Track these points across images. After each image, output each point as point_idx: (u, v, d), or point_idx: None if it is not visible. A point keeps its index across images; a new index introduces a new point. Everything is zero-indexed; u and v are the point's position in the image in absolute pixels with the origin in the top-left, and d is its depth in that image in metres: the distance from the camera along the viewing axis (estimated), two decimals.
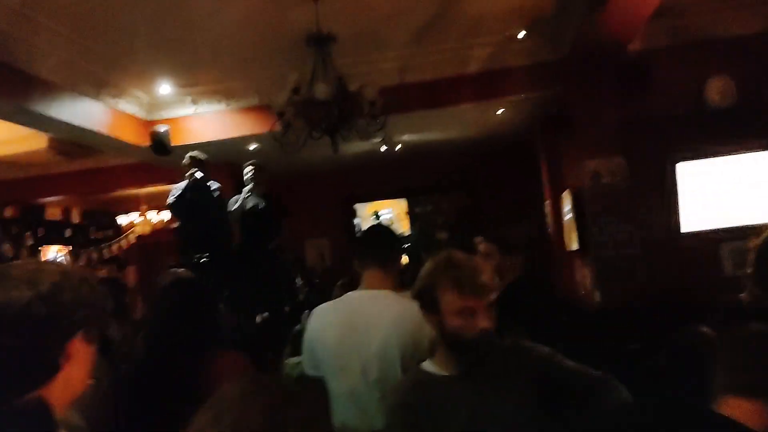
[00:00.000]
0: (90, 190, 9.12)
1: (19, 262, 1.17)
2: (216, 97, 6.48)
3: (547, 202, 7.71)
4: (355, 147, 6.33)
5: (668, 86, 5.47)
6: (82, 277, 1.19)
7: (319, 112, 4.52)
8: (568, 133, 6.35)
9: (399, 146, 8.01)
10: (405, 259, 5.22)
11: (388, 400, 1.86)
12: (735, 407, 1.16)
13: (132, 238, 10.40)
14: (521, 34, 5.60)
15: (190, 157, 5.52)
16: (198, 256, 5.24)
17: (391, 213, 11.01)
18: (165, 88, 6.19)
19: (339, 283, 3.91)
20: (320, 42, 4.70)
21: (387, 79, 5.71)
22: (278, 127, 4.65)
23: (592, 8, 4.56)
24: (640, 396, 1.72)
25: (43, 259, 8.73)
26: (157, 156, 6.30)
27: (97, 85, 5.62)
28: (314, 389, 2.17)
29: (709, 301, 4.80)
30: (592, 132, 5.66)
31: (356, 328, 2.20)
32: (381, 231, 2.62)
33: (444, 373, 1.75)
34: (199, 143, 6.39)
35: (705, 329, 2.80)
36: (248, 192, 5.60)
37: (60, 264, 1.24)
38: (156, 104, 6.54)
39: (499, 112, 6.79)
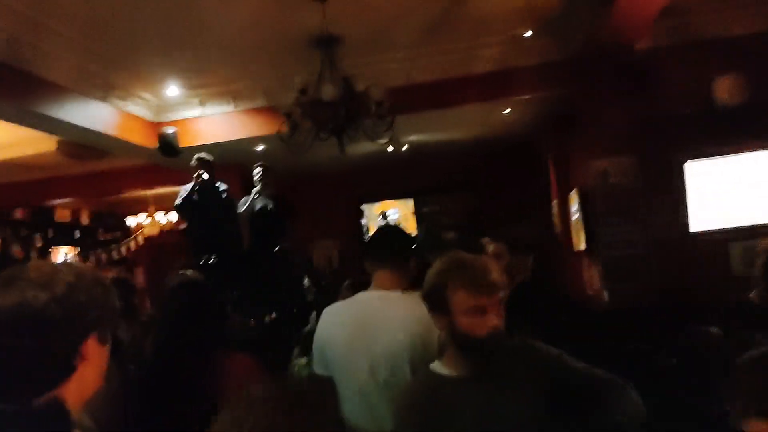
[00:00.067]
0: (99, 192, 9.17)
1: (34, 263, 1.18)
2: (223, 99, 6.50)
3: (555, 202, 7.69)
4: (362, 148, 6.33)
5: (676, 85, 5.45)
6: (96, 279, 1.20)
7: (326, 113, 4.53)
8: (576, 132, 6.34)
9: (406, 147, 8.01)
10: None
11: (397, 401, 1.86)
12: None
13: (140, 239, 10.45)
14: (528, 34, 5.59)
15: (198, 158, 5.53)
16: (206, 257, 5.25)
17: (397, 213, 11.01)
18: (172, 89, 6.21)
19: (345, 283, 3.91)
20: (327, 43, 4.71)
21: (394, 79, 5.72)
22: (285, 128, 4.66)
23: (599, 8, 4.54)
24: (650, 396, 1.72)
25: (52, 260, 8.79)
26: (165, 157, 6.33)
27: (105, 87, 5.65)
28: (325, 389, 2.18)
29: (717, 301, 4.78)
30: (599, 131, 5.64)
31: (366, 328, 2.20)
32: (392, 231, 2.61)
33: (453, 374, 1.75)
34: (206, 144, 6.41)
35: (713, 330, 2.80)
36: (257, 193, 5.61)
37: (74, 265, 1.24)
38: (164, 106, 6.57)
39: (506, 112, 6.78)
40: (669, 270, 5.37)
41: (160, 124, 6.47)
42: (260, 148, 6.98)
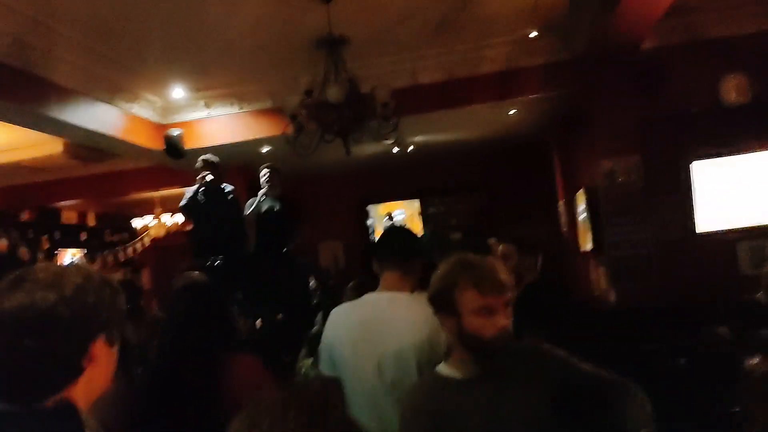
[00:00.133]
0: (105, 193, 9.21)
1: (42, 264, 1.19)
2: (229, 101, 6.51)
3: (561, 203, 7.67)
4: (368, 149, 6.34)
5: (683, 84, 5.43)
6: (104, 280, 1.20)
7: (331, 115, 4.53)
8: (582, 132, 6.33)
9: (411, 147, 8.01)
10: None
11: (403, 402, 1.86)
12: None
13: (147, 241, 10.47)
14: (533, 34, 5.58)
15: (203, 160, 5.54)
16: (212, 258, 5.26)
17: (403, 214, 11.01)
18: (178, 92, 6.23)
19: (349, 285, 3.91)
20: (332, 44, 4.71)
21: (399, 80, 5.72)
22: (291, 130, 4.66)
23: (605, 7, 4.53)
24: (658, 397, 1.71)
25: (59, 262, 8.82)
26: (171, 159, 6.35)
27: (111, 90, 5.67)
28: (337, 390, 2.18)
29: (725, 301, 4.76)
30: (606, 131, 5.63)
31: (373, 329, 2.20)
32: (400, 232, 2.60)
33: (459, 375, 1.74)
34: (212, 146, 6.42)
35: (722, 330, 2.78)
36: (263, 195, 5.61)
37: (82, 267, 1.24)
38: (169, 108, 6.59)
39: (512, 112, 6.77)
40: (676, 270, 5.34)
41: (165, 126, 6.49)
42: (266, 149, 6.99)
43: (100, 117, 5.59)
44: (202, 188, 5.50)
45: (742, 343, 2.75)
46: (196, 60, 5.55)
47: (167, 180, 8.12)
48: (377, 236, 10.01)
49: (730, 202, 5.46)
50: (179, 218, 9.85)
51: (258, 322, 4.96)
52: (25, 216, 9.26)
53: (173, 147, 6.17)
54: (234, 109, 6.56)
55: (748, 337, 3.39)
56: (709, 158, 5.48)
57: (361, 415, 2.14)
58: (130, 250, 10.20)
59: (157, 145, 6.37)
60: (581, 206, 6.45)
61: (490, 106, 6.37)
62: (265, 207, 5.59)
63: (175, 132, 6.24)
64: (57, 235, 9.70)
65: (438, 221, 10.44)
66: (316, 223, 8.86)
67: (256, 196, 5.68)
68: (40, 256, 8.80)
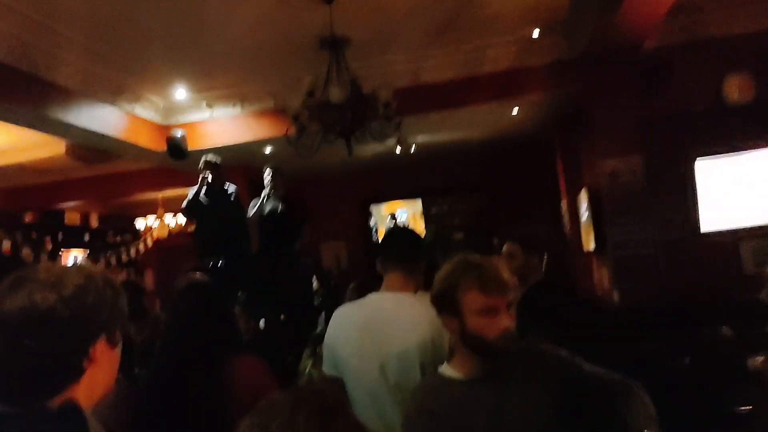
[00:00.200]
0: (108, 194, 9.22)
1: (44, 264, 1.19)
2: (231, 101, 6.51)
3: (563, 202, 7.66)
4: (370, 149, 6.34)
5: (686, 83, 5.42)
6: (106, 281, 1.20)
7: (333, 115, 4.53)
8: (585, 132, 6.32)
9: (413, 147, 8.01)
10: None
11: (406, 403, 1.86)
12: None
13: (149, 241, 10.48)
14: (535, 34, 5.57)
15: (205, 160, 5.56)
16: (214, 259, 5.26)
17: (405, 214, 11.01)
18: (180, 93, 6.24)
19: (351, 286, 3.91)
20: (334, 45, 4.71)
21: (401, 80, 5.72)
22: (293, 131, 4.67)
23: (606, 7, 4.53)
24: (662, 397, 1.71)
25: (62, 263, 8.83)
26: (174, 160, 6.35)
27: (113, 91, 5.68)
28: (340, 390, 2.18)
29: (728, 301, 4.75)
30: (609, 130, 5.61)
31: (377, 329, 2.20)
32: (404, 233, 2.60)
33: (462, 376, 1.74)
34: (214, 147, 6.43)
35: (725, 329, 2.78)
36: (266, 196, 5.61)
37: (85, 267, 1.24)
38: (172, 109, 6.60)
39: (514, 112, 6.77)
40: (679, 270, 5.34)
41: (168, 127, 6.50)
42: (268, 150, 6.99)
43: (102, 118, 5.60)
44: (204, 189, 5.51)
45: (745, 343, 2.75)
46: (198, 61, 5.56)
47: (170, 181, 8.14)
48: (380, 237, 10.03)
49: (733, 201, 5.45)
50: (182, 219, 9.86)
51: (261, 323, 4.96)
52: (28, 217, 9.27)
53: (176, 148, 6.18)
54: (236, 110, 6.57)
55: (751, 336, 3.39)
56: (711, 157, 5.47)
57: (363, 415, 2.14)
58: (133, 251, 10.21)
59: (160, 146, 6.38)
60: (583, 206, 6.44)
61: (492, 106, 6.37)
62: (268, 208, 5.59)
63: (177, 133, 6.25)
64: (60, 236, 9.71)
65: (440, 221, 10.45)
66: (319, 224, 8.85)
67: (259, 196, 5.69)
68: (44, 257, 8.81)
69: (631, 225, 5.47)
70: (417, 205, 10.81)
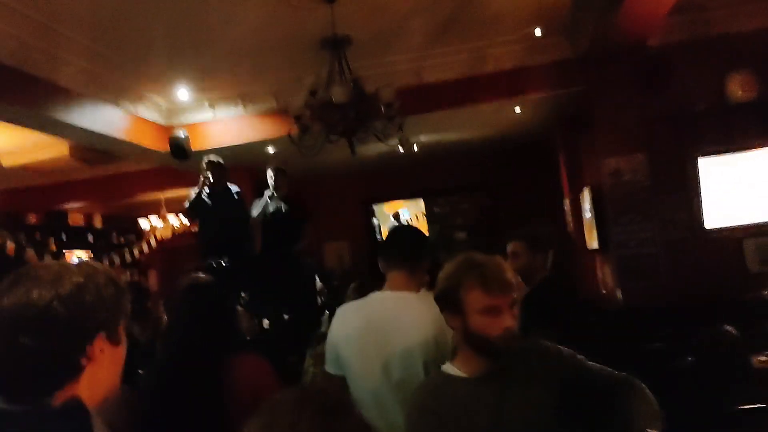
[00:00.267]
0: (111, 195, 9.23)
1: (46, 263, 1.19)
2: (233, 102, 6.52)
3: (566, 201, 7.66)
4: (373, 148, 6.33)
5: (689, 81, 5.42)
6: (109, 278, 1.19)
7: (336, 115, 4.53)
8: (587, 130, 6.31)
9: (416, 147, 8.00)
10: None
11: (409, 402, 1.86)
12: None
13: (153, 242, 10.49)
14: (538, 33, 5.57)
15: (208, 161, 5.56)
16: (218, 259, 5.27)
17: (408, 214, 11.01)
18: (183, 93, 6.24)
19: (352, 286, 3.91)
20: (336, 44, 4.71)
21: (403, 80, 5.73)
22: (296, 131, 4.67)
23: (609, 5, 4.52)
24: (666, 396, 1.70)
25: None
26: (177, 161, 6.36)
27: (116, 92, 5.69)
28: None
29: (732, 298, 4.75)
30: (611, 129, 5.61)
31: (379, 328, 2.19)
32: (406, 232, 2.59)
33: (465, 374, 1.74)
34: (217, 147, 6.44)
35: (729, 328, 2.77)
36: (269, 196, 5.62)
37: (86, 265, 1.23)
38: (174, 110, 6.61)
39: (517, 111, 6.76)
40: (683, 268, 5.33)
41: (171, 128, 6.50)
42: (271, 150, 7.00)
43: (105, 119, 5.61)
44: (206, 189, 5.52)
45: (749, 341, 2.74)
46: (200, 61, 5.56)
47: (173, 181, 8.14)
48: (383, 236, 10.03)
49: (736, 199, 5.44)
50: (185, 220, 9.86)
51: (265, 323, 4.97)
52: (32, 218, 9.29)
53: (179, 148, 6.18)
54: (239, 110, 6.58)
55: (755, 334, 3.38)
56: (714, 156, 5.46)
57: (366, 414, 2.14)
58: (136, 251, 10.22)
59: (163, 146, 6.38)
60: (587, 205, 6.44)
61: (495, 106, 6.37)
62: (271, 208, 5.59)
63: (180, 133, 6.25)
64: (64, 237, 9.73)
65: (443, 221, 10.44)
66: (322, 224, 8.86)
67: (262, 196, 5.69)
68: (48, 258, 8.83)
69: (634, 224, 5.47)
70: (419, 204, 10.80)
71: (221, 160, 5.61)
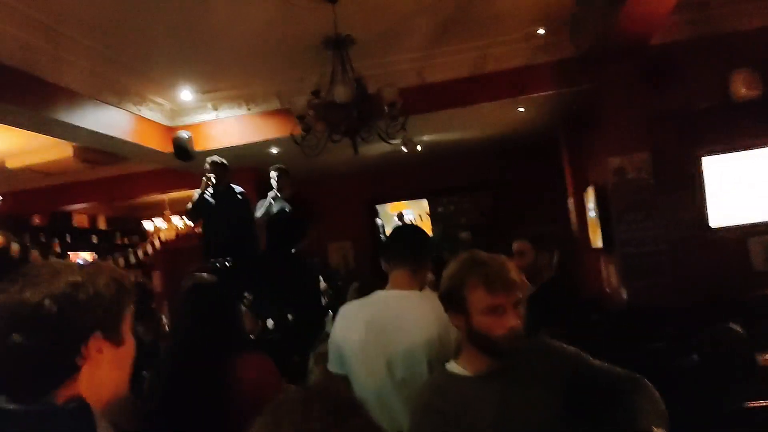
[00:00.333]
0: (115, 196, 9.26)
1: (51, 261, 1.18)
2: (236, 102, 6.53)
3: (570, 200, 7.65)
4: (376, 148, 6.33)
5: (692, 80, 5.40)
6: (113, 278, 1.18)
7: (338, 115, 4.53)
8: (591, 129, 6.30)
9: (419, 147, 8.00)
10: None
11: (413, 401, 1.85)
12: None
13: (157, 243, 10.51)
14: (541, 32, 5.56)
15: (211, 162, 5.57)
16: (222, 260, 5.27)
17: (412, 214, 11.01)
18: (186, 94, 6.25)
19: (353, 286, 3.90)
20: (339, 44, 4.71)
21: (406, 79, 5.72)
22: (299, 131, 4.67)
23: (612, 4, 4.51)
24: (671, 395, 1.70)
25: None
26: (180, 161, 6.37)
27: (119, 93, 5.70)
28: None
29: (738, 297, 4.73)
30: (615, 128, 5.59)
31: (383, 327, 2.19)
32: (410, 231, 2.60)
33: (469, 373, 1.74)
34: (220, 148, 6.45)
35: (735, 326, 2.76)
36: (273, 196, 5.62)
37: (95, 264, 1.23)
38: (178, 110, 6.61)
39: (520, 110, 6.75)
40: (688, 267, 5.31)
41: (174, 129, 6.51)
42: (274, 150, 7.00)
43: (108, 120, 5.61)
44: (209, 190, 5.53)
45: (754, 339, 2.73)
46: (203, 62, 5.57)
47: (176, 182, 8.16)
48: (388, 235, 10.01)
49: (741, 197, 5.43)
50: (187, 221, 9.88)
51: (269, 323, 4.97)
52: (36, 220, 9.32)
53: (182, 149, 6.19)
54: (242, 111, 6.58)
55: (760, 332, 3.36)
56: (719, 154, 5.45)
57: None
58: (140, 252, 10.24)
59: (166, 147, 6.39)
60: (590, 204, 6.42)
61: (498, 105, 6.36)
62: (275, 209, 5.60)
63: (183, 134, 6.26)
64: (68, 238, 9.76)
65: (447, 221, 10.43)
66: (326, 224, 8.86)
67: (266, 197, 5.69)
68: (52, 259, 8.84)
69: (639, 222, 5.45)
70: (423, 204, 10.79)
71: (224, 161, 5.62)
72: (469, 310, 1.70)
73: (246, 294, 4.87)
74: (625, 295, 5.50)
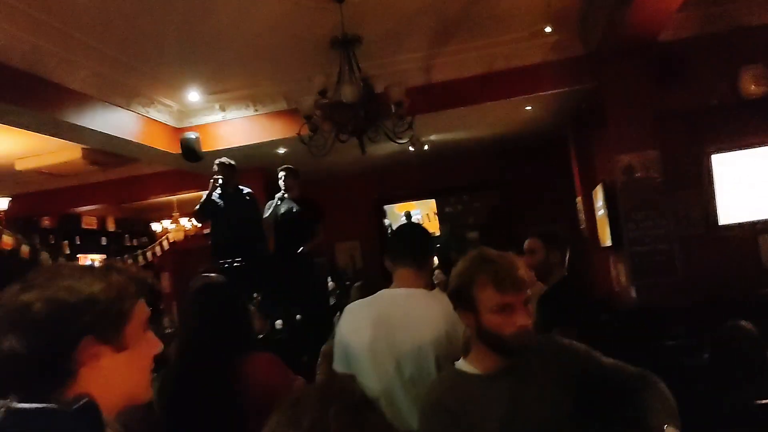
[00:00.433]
0: (124, 198, 9.29)
1: (50, 264, 1.18)
2: (244, 103, 6.54)
3: (579, 199, 7.62)
4: (383, 148, 6.33)
5: (701, 77, 5.37)
6: (118, 282, 1.15)
7: (345, 114, 4.53)
8: (600, 127, 6.27)
9: (427, 146, 7.99)
10: (435, 260, 5.17)
11: (422, 399, 1.85)
12: None
13: (166, 244, 10.54)
14: (548, 30, 5.54)
15: (218, 162, 5.58)
16: (230, 260, 5.28)
17: (419, 214, 10.99)
18: (194, 95, 6.27)
19: (356, 285, 3.90)
20: (345, 44, 4.71)
21: (413, 78, 5.72)
22: (306, 131, 4.67)
23: (620, 1, 4.49)
24: (682, 393, 1.68)
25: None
26: (188, 162, 6.39)
27: (127, 95, 5.72)
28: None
29: (748, 294, 4.70)
30: (624, 125, 5.56)
31: (390, 326, 2.18)
32: (414, 229, 2.59)
33: (478, 371, 1.73)
34: (228, 149, 6.47)
35: (745, 324, 2.74)
36: (281, 197, 5.63)
37: (90, 267, 1.20)
38: (185, 112, 6.64)
39: (528, 109, 6.73)
40: (697, 264, 5.28)
41: (182, 130, 6.54)
42: (282, 151, 7.01)
43: (117, 122, 5.64)
44: (217, 191, 5.55)
45: (765, 336, 2.71)
46: (210, 63, 5.59)
47: (185, 183, 8.19)
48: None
49: (750, 195, 5.39)
50: (195, 222, 9.91)
51: (278, 323, 4.97)
52: (45, 222, 9.38)
53: (190, 150, 6.21)
54: (249, 111, 6.59)
55: None
56: (728, 151, 5.41)
57: None
58: (149, 253, 10.28)
59: (174, 148, 6.41)
60: (599, 202, 6.40)
61: (505, 104, 6.35)
62: (283, 209, 5.60)
63: (191, 135, 6.28)
64: (78, 240, 9.81)
65: (455, 220, 10.41)
66: (333, 224, 8.86)
67: (273, 197, 5.70)
68: (62, 261, 8.89)
69: (648, 220, 5.42)
70: (431, 204, 10.77)
71: (232, 162, 5.63)
72: (479, 308, 1.69)
73: (254, 294, 4.88)
74: (634, 294, 5.48)
